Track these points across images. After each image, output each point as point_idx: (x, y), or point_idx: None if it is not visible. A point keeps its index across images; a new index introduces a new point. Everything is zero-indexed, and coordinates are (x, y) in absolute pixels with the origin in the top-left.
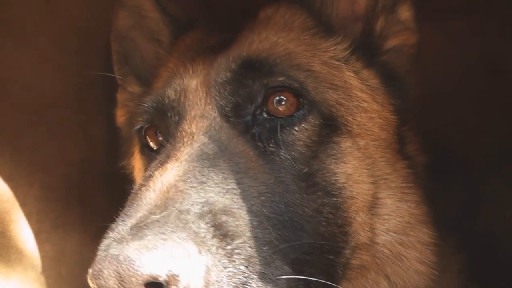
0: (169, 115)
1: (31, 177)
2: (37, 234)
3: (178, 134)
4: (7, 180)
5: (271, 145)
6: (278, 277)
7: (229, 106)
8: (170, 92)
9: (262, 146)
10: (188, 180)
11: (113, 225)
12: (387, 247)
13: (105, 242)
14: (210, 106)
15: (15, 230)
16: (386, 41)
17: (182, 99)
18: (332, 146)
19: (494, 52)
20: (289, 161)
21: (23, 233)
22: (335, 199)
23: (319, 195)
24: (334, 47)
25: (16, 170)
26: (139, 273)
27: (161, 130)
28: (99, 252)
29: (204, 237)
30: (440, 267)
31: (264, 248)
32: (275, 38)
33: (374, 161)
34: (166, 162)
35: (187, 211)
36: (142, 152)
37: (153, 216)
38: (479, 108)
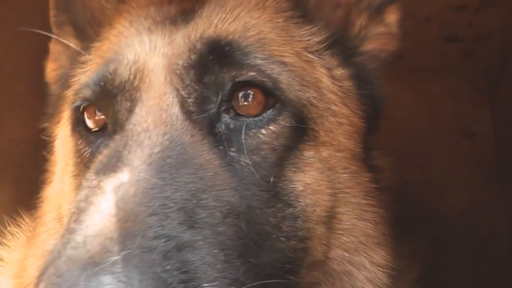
0: (119, 99)
1: None
2: None
3: (131, 127)
4: None
5: (232, 149)
6: None
7: (192, 96)
8: (123, 71)
9: (223, 150)
10: (149, 204)
11: (53, 255)
12: (337, 263)
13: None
14: (171, 96)
15: None
16: (364, 42)
17: (137, 82)
18: (294, 153)
19: (467, 116)
20: (251, 169)
21: None
22: (292, 208)
23: (279, 207)
24: (308, 37)
25: None
26: None
27: (106, 113)
28: None
29: (171, 283)
30: None
31: None
32: (247, 19)
33: (335, 173)
34: (118, 168)
35: (151, 250)
36: (75, 130)
37: (110, 256)
38: (450, 168)
